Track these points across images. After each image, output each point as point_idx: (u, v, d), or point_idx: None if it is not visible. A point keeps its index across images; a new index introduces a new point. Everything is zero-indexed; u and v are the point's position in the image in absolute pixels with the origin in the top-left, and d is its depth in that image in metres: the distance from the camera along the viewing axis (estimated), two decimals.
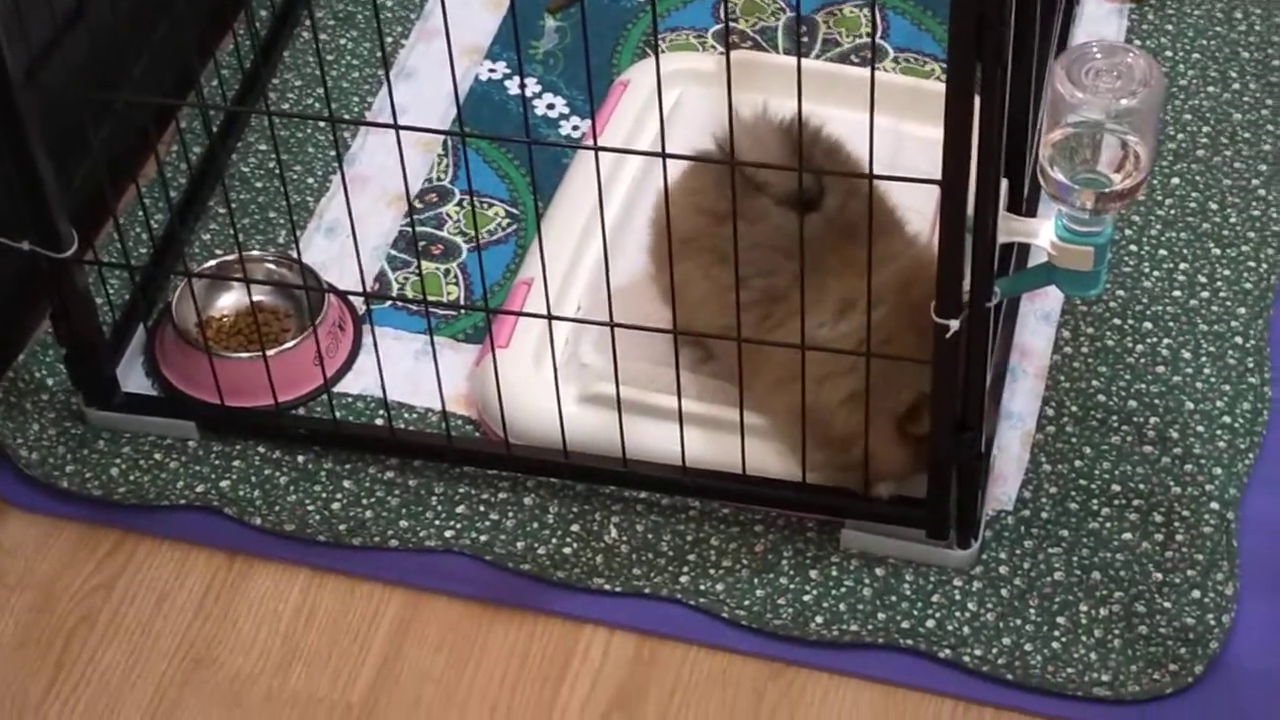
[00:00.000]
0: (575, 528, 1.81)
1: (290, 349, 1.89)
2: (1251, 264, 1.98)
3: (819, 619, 1.74)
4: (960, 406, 1.64)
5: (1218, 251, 1.99)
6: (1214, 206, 2.03)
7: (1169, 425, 1.86)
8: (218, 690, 1.73)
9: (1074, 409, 1.87)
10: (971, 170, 1.48)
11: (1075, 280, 1.58)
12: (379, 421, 1.89)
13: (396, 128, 1.60)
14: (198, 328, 1.90)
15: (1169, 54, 2.18)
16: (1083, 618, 1.73)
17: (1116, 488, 1.81)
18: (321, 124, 2.14)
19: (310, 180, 2.10)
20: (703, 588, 1.76)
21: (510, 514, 1.82)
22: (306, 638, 1.76)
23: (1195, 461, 1.83)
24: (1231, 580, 1.74)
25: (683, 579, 1.77)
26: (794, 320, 1.66)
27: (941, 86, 1.44)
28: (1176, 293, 1.96)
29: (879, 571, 1.77)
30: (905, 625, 1.73)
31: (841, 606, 1.74)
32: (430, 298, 1.98)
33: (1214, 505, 1.80)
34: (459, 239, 2.04)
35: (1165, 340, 1.92)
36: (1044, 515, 1.80)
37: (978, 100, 1.45)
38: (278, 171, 2.08)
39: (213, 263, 1.98)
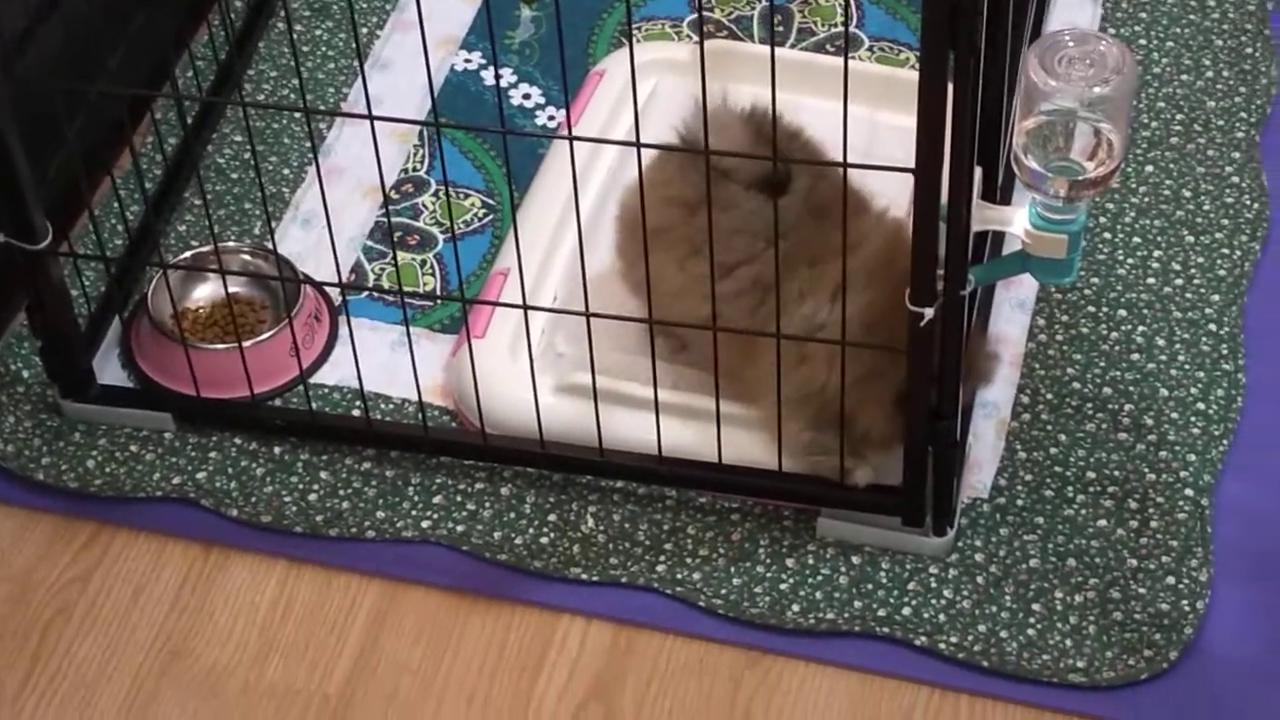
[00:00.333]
0: (552, 517, 1.81)
1: (266, 340, 1.89)
2: (1225, 251, 1.99)
3: (795, 607, 1.74)
4: (935, 394, 1.64)
5: (1192, 239, 2.00)
6: (1188, 194, 2.04)
7: (1144, 412, 1.87)
8: (194, 682, 1.73)
9: (1049, 397, 1.88)
10: (945, 158, 1.48)
11: (1049, 268, 1.58)
12: (355, 412, 1.89)
13: (371, 118, 1.60)
14: (173, 319, 1.90)
15: (1142, 42, 2.18)
16: (1058, 604, 1.73)
17: (1091, 475, 1.82)
18: (297, 115, 2.14)
19: (286, 171, 2.10)
20: (679, 577, 1.77)
21: (487, 504, 1.82)
22: (283, 629, 1.76)
23: (1170, 448, 1.84)
24: (1206, 566, 1.75)
25: (659, 568, 1.77)
26: (791, 308, 1.66)
27: (916, 75, 1.44)
28: (1151, 280, 1.97)
29: (855, 560, 1.77)
30: (881, 613, 1.73)
31: (818, 595, 1.75)
32: (406, 288, 1.98)
33: (1188, 492, 1.80)
34: (435, 229, 2.04)
35: (1140, 327, 1.93)
36: (1019, 503, 1.80)
37: (951, 88, 1.45)
38: (253, 163, 2.08)
39: (188, 254, 1.98)
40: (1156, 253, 1.99)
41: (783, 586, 1.76)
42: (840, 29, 2.20)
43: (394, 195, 2.07)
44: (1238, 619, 1.73)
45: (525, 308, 1.70)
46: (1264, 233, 2.00)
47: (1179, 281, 1.97)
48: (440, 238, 2.03)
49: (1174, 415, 1.86)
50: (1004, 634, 1.72)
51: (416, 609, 1.77)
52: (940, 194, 1.50)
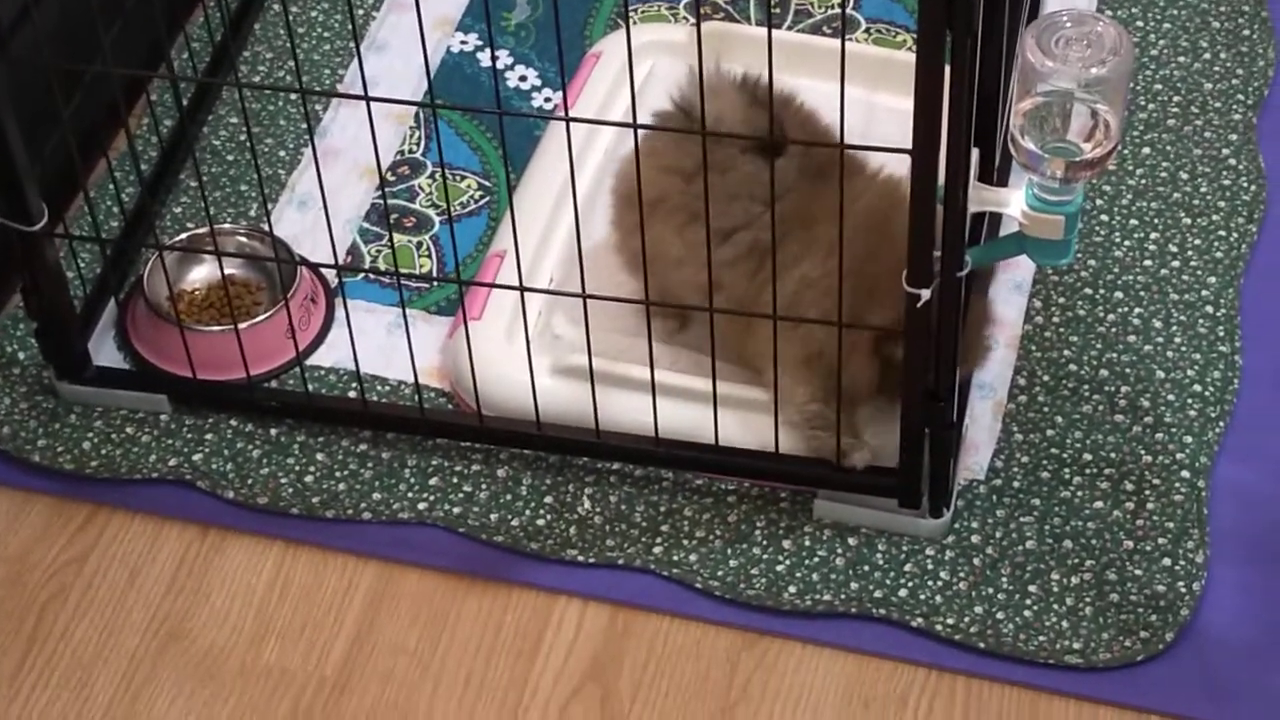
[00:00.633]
0: (549, 499, 1.81)
1: (262, 322, 1.89)
2: (1222, 233, 1.99)
3: (792, 589, 1.74)
4: (932, 376, 1.64)
5: (1188, 221, 2.00)
6: (1184, 176, 2.04)
7: (1140, 394, 1.87)
8: (191, 664, 1.73)
9: (1045, 378, 1.88)
10: (942, 140, 1.48)
11: (1046, 249, 1.58)
12: (352, 394, 1.89)
13: (368, 99, 1.59)
14: (169, 301, 1.90)
15: (1139, 23, 2.18)
16: (1054, 586, 1.73)
17: (1088, 457, 1.82)
18: (293, 96, 2.13)
19: (282, 153, 2.09)
20: (676, 558, 1.77)
21: (484, 486, 1.82)
22: (280, 611, 1.76)
23: (1166, 430, 1.84)
24: (1202, 548, 1.75)
25: (656, 550, 1.77)
26: (789, 272, 1.66)
27: (913, 57, 1.44)
28: (1147, 262, 1.97)
29: (852, 541, 1.77)
30: (878, 594, 1.73)
31: (814, 576, 1.75)
32: (403, 270, 1.98)
33: (1185, 473, 1.81)
34: (431, 211, 2.04)
35: (1136, 309, 1.93)
36: (1016, 484, 1.80)
37: (948, 70, 1.45)
38: (249, 144, 2.07)
39: (184, 236, 1.98)
40: (1153, 235, 1.99)
41: (779, 568, 1.76)
42: (837, 10, 2.20)
43: (390, 177, 2.07)
44: (1234, 601, 1.73)
45: (522, 289, 1.70)
46: (1261, 215, 2.00)
47: (1176, 263, 1.97)
48: (437, 219, 2.03)
49: (1170, 397, 1.86)
50: (1000, 615, 1.72)
51: (413, 591, 1.77)
52: (937, 175, 1.50)
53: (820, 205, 1.68)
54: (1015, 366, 1.89)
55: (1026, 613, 1.72)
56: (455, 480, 1.83)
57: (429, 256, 2.00)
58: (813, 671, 1.70)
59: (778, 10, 2.20)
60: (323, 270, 1.96)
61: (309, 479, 1.83)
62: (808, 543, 1.77)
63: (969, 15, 1.43)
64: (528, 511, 1.80)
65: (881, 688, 1.69)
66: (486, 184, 2.06)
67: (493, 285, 1.82)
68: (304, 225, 2.02)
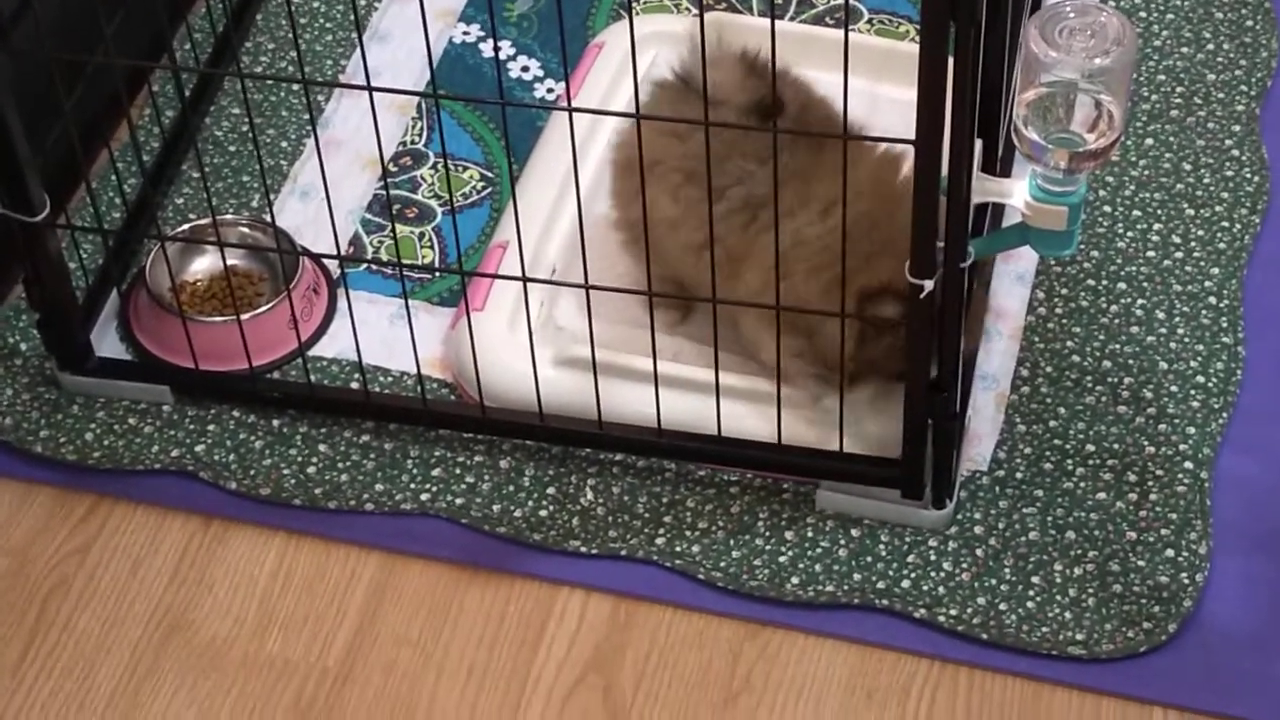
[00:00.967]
0: (551, 490, 1.81)
1: (265, 313, 1.89)
2: (1225, 224, 1.99)
3: (795, 580, 1.74)
4: (936, 367, 1.64)
5: (1191, 212, 2.00)
6: (1187, 167, 2.04)
7: (1143, 385, 1.86)
8: (194, 655, 1.73)
9: (1048, 369, 1.88)
10: (946, 130, 1.48)
11: (1049, 240, 1.58)
12: (354, 385, 1.89)
13: (370, 90, 1.59)
14: (171, 292, 1.90)
15: (1143, 14, 2.18)
16: (1057, 577, 1.73)
17: (1091, 448, 1.82)
18: (295, 87, 2.13)
19: (284, 144, 2.09)
20: (679, 549, 1.77)
21: (486, 477, 1.82)
22: (283, 602, 1.76)
23: (1169, 421, 1.84)
24: (1205, 539, 1.75)
25: (659, 541, 1.77)
26: (782, 223, 1.66)
27: (916, 48, 1.44)
28: (1150, 253, 1.97)
29: (854, 532, 1.77)
30: (881, 585, 1.73)
31: (817, 567, 1.75)
32: (405, 261, 1.98)
33: (1188, 464, 1.81)
34: (434, 202, 2.04)
35: (1139, 301, 1.93)
36: (1019, 475, 1.80)
37: (951, 60, 1.45)
38: (251, 135, 2.07)
39: (186, 227, 1.98)
40: (1156, 226, 1.99)
41: (782, 559, 1.76)
42: (840, 1, 2.20)
43: (392, 168, 2.07)
44: (1237, 591, 1.73)
45: (524, 280, 1.70)
46: (1264, 206, 2.00)
47: (1179, 254, 1.96)
48: (439, 210, 2.03)
49: (1173, 388, 1.86)
50: (1003, 606, 1.72)
51: (415, 581, 1.77)
52: (940, 166, 1.50)
53: (814, 162, 1.69)
54: (1018, 357, 1.89)
55: (1029, 604, 1.72)
56: (458, 471, 1.83)
57: (431, 247, 2.00)
58: (815, 662, 1.70)
59: (780, 1, 2.20)
60: (325, 261, 1.96)
61: (311, 470, 1.83)
62: (810, 534, 1.77)
63: (972, 5, 1.42)
64: (530, 502, 1.80)
65: (884, 679, 1.69)
66: (489, 175, 2.06)
67: (495, 276, 1.82)
68: (306, 216, 2.02)
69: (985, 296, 1.78)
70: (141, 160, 1.92)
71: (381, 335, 1.93)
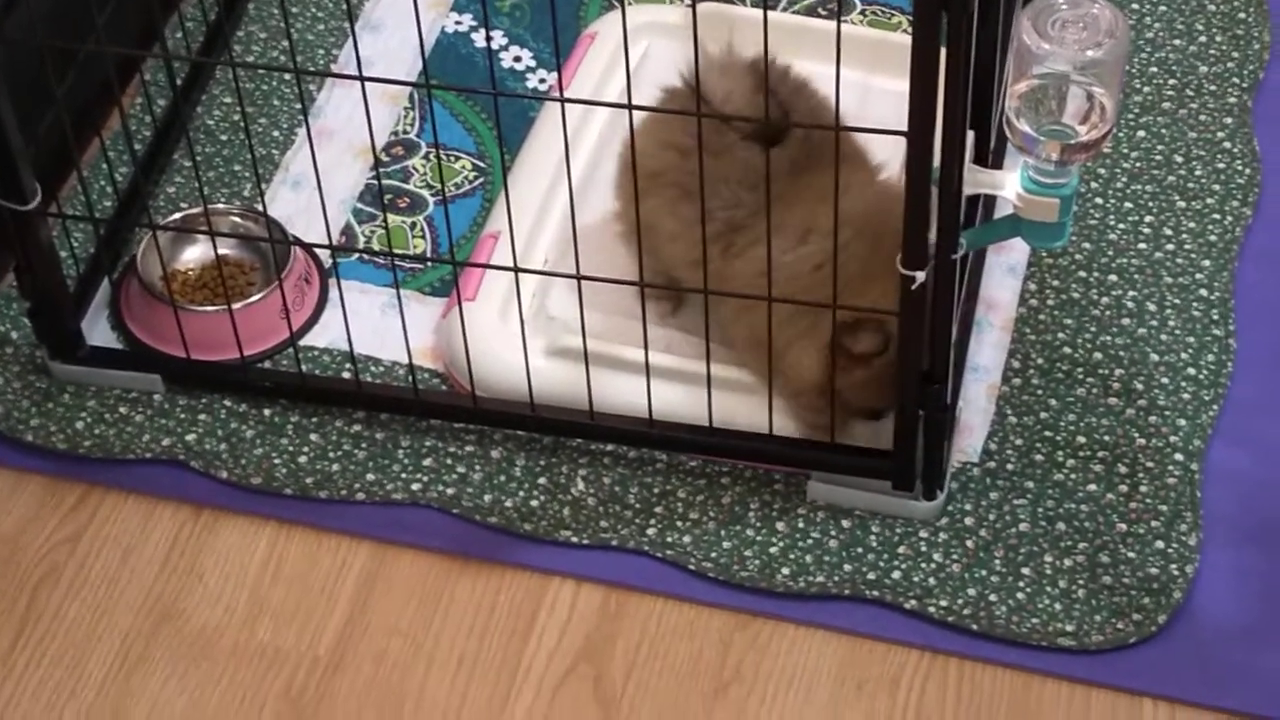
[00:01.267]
0: (542, 480, 1.81)
1: (256, 302, 1.89)
2: (1216, 216, 1.99)
3: (785, 570, 1.74)
4: (927, 359, 1.64)
5: (1183, 204, 2.00)
6: (1179, 159, 2.04)
7: (1134, 377, 1.87)
8: (184, 643, 1.73)
9: (1040, 361, 1.88)
10: (938, 122, 1.48)
11: (1041, 232, 1.58)
12: (346, 375, 1.89)
13: (362, 79, 1.59)
14: (163, 281, 1.89)
15: (1135, 6, 2.18)
16: (1047, 568, 1.74)
17: (1081, 439, 1.82)
18: (287, 76, 2.13)
19: (275, 133, 2.09)
20: (670, 540, 1.77)
21: (477, 467, 1.82)
22: (273, 591, 1.76)
23: (1160, 413, 1.84)
24: (1195, 531, 1.76)
25: (650, 531, 1.77)
26: (755, 249, 1.67)
27: (908, 39, 1.44)
28: (1142, 245, 1.97)
29: (845, 523, 1.77)
30: (871, 576, 1.74)
31: (808, 558, 1.75)
32: (397, 251, 1.98)
33: (1178, 456, 1.81)
34: (425, 192, 2.04)
35: (1130, 293, 1.93)
36: (1009, 467, 1.81)
37: (944, 52, 1.45)
38: (243, 124, 2.07)
39: (178, 216, 1.98)
40: (1148, 218, 1.99)
41: (773, 550, 1.76)
42: None
43: (384, 157, 2.06)
44: (1226, 583, 1.73)
45: (516, 270, 1.70)
46: (1255, 198, 2.00)
47: (1170, 247, 1.97)
48: (431, 200, 2.03)
49: (1164, 380, 1.86)
50: (993, 597, 1.72)
51: (406, 571, 1.77)
52: (932, 157, 1.50)
53: (802, 189, 1.68)
54: (1009, 349, 1.89)
55: (1019, 595, 1.72)
56: (449, 461, 1.83)
57: (423, 237, 2.00)
58: (806, 653, 1.71)
59: None
60: (317, 250, 1.96)
61: (303, 459, 1.83)
62: (801, 524, 1.77)
63: None
64: (521, 492, 1.80)
65: (874, 669, 1.70)
66: (481, 165, 2.06)
67: (487, 266, 1.82)
68: (298, 205, 2.02)
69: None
70: (133, 149, 1.92)
71: (373, 325, 1.93)
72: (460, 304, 1.81)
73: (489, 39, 1.67)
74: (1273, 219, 1.99)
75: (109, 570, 1.78)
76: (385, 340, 1.91)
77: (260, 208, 1.95)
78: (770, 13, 2.09)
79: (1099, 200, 2.00)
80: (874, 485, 1.76)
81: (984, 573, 1.74)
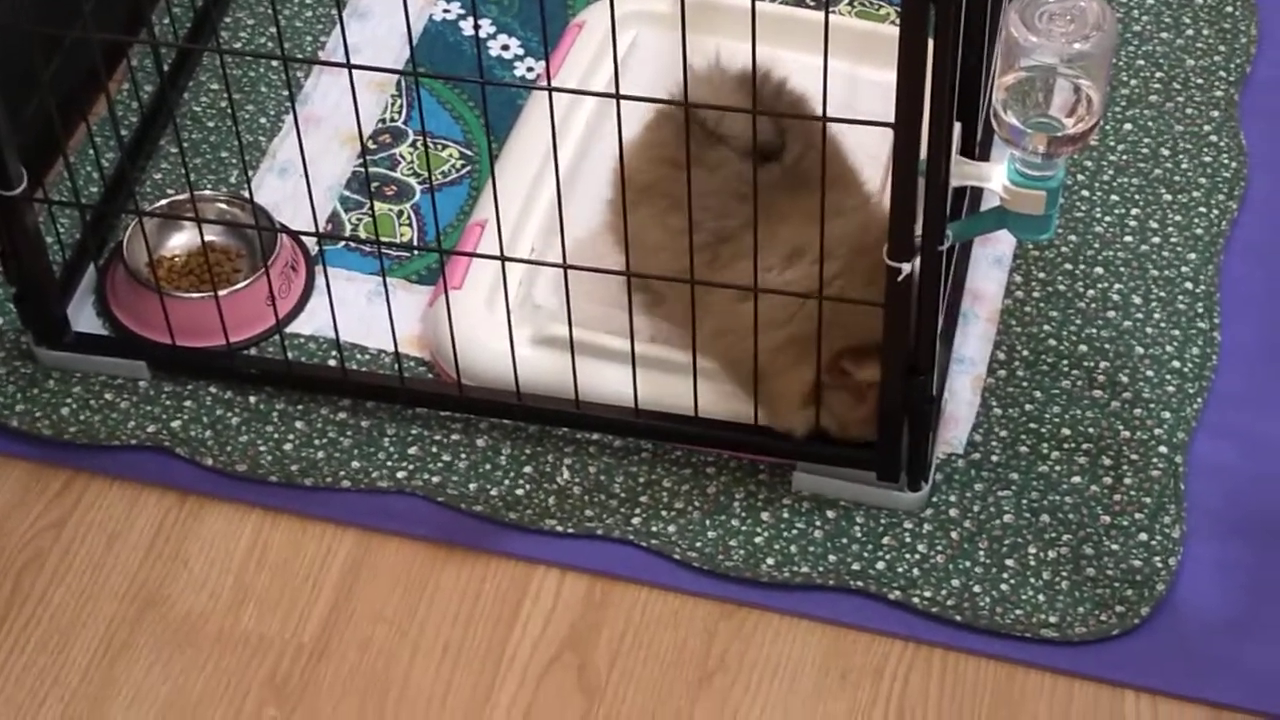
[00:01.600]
0: (528, 469, 1.81)
1: (242, 289, 1.88)
2: (1202, 210, 1.99)
3: (770, 560, 1.74)
4: (912, 350, 1.64)
5: (1169, 197, 2.00)
6: (1166, 152, 2.04)
7: (1119, 370, 1.87)
8: (169, 630, 1.73)
9: (1025, 353, 1.88)
10: (925, 113, 1.48)
11: (1027, 224, 1.58)
12: (331, 362, 1.89)
13: (350, 67, 1.59)
14: (149, 267, 1.89)
15: None
16: (1031, 560, 1.74)
17: (1066, 432, 1.83)
18: (274, 63, 2.13)
19: (263, 120, 2.09)
20: (655, 529, 1.77)
21: (463, 455, 1.82)
22: (258, 578, 1.76)
23: (1144, 406, 1.84)
24: (1179, 523, 1.76)
25: (635, 520, 1.77)
26: (740, 263, 1.67)
27: (896, 30, 1.44)
28: (1128, 238, 1.97)
29: (830, 514, 1.78)
30: (856, 567, 1.74)
31: (793, 548, 1.75)
32: (383, 238, 1.97)
33: (1162, 449, 1.81)
34: (412, 180, 2.03)
35: (1116, 285, 1.93)
36: (994, 459, 1.81)
37: (931, 43, 1.45)
38: (230, 111, 2.07)
39: (164, 202, 1.97)
40: (1134, 210, 1.99)
41: (758, 540, 1.76)
42: None
43: (371, 145, 2.06)
44: (1210, 576, 1.73)
45: (503, 259, 1.70)
46: (1241, 191, 2.01)
47: (1156, 239, 1.97)
48: (418, 188, 2.03)
49: (1149, 373, 1.87)
50: (977, 589, 1.72)
51: (391, 559, 1.77)
52: (920, 149, 1.50)
53: (791, 204, 1.68)
54: (995, 341, 1.89)
55: (1003, 586, 1.72)
56: (434, 449, 1.83)
57: (410, 225, 2.00)
58: (790, 643, 1.71)
59: None
60: (303, 238, 1.96)
61: (288, 447, 1.83)
62: (786, 515, 1.78)
63: None
64: (507, 481, 1.80)
65: (858, 659, 1.70)
66: (468, 153, 2.06)
67: (473, 255, 1.82)
68: (284, 192, 2.02)
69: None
70: (120, 135, 1.92)
71: (359, 313, 1.92)
72: (446, 292, 1.81)
73: (477, 27, 1.67)
74: (1258, 213, 2.00)
75: (94, 556, 1.78)
76: (371, 328, 1.91)
77: (247, 194, 1.95)
78: (759, 3, 2.09)
79: (1085, 193, 2.01)
80: (859, 476, 1.77)
81: (968, 564, 1.74)
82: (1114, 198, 2.00)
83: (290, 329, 1.92)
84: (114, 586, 1.75)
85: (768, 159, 1.70)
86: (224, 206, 1.97)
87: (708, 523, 1.77)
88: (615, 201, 1.82)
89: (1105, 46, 1.49)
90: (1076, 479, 1.79)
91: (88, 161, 2.03)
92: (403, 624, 1.73)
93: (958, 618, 1.71)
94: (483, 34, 2.17)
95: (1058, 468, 1.80)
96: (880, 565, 1.74)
